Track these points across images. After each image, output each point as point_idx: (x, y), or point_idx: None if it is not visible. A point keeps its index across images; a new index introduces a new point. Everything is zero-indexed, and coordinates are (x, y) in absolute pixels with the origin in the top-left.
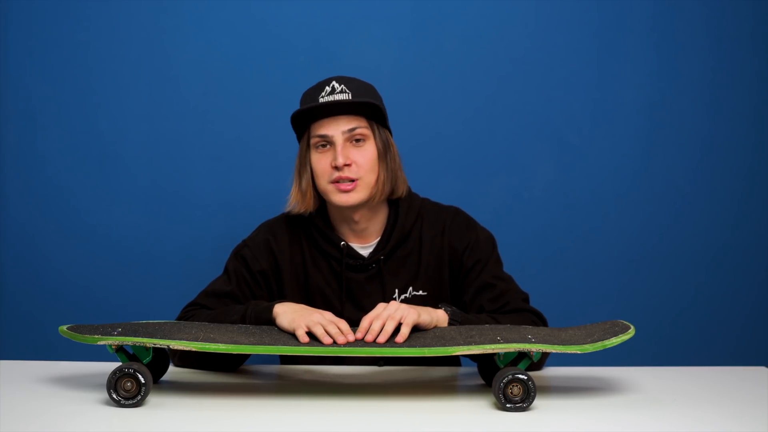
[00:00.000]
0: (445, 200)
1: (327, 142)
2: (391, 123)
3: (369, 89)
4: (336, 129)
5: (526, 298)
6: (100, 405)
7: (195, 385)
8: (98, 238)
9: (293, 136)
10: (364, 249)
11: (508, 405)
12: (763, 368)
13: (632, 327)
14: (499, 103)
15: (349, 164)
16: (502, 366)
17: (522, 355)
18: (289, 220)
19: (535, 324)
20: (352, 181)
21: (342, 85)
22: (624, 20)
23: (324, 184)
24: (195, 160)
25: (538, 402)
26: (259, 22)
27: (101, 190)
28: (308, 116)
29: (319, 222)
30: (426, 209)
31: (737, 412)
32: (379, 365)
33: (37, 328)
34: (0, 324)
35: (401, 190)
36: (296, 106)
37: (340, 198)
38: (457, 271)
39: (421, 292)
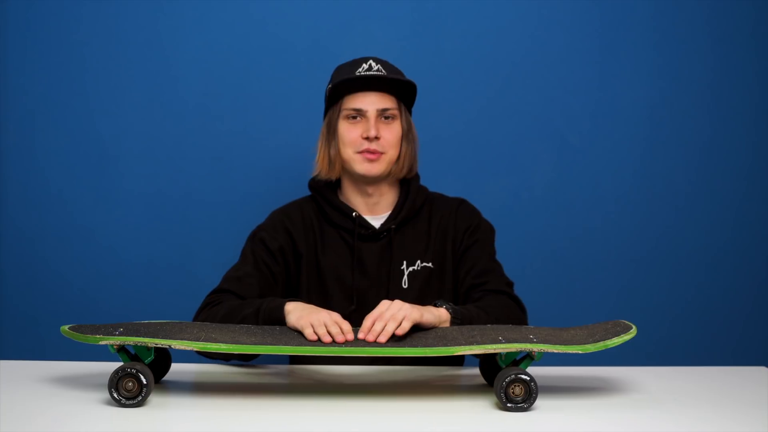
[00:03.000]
0: None
1: (359, 115)
2: None
3: (401, 72)
4: (371, 104)
5: (509, 284)
6: (101, 405)
7: (195, 385)
8: (98, 238)
9: (293, 136)
10: (375, 220)
11: (509, 405)
12: (763, 368)
13: (634, 327)
14: (499, 103)
15: (378, 138)
16: (504, 366)
17: (524, 355)
18: (298, 203)
19: (510, 309)
20: (378, 153)
21: (378, 65)
22: (624, 20)
23: (350, 152)
24: (195, 160)
25: (539, 402)
26: (259, 22)
27: (100, 190)
28: (345, 88)
29: (329, 194)
30: (435, 197)
31: (737, 412)
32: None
33: (37, 328)
34: (0, 324)
35: (414, 170)
36: (296, 106)
37: (363, 167)
38: (458, 247)
39: (430, 264)
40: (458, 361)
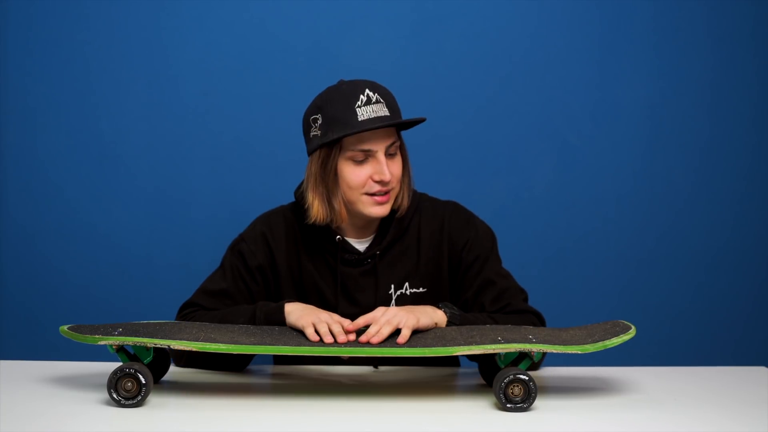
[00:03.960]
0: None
1: (366, 156)
2: None
3: (392, 97)
4: (379, 144)
5: (525, 298)
6: (100, 405)
7: (195, 385)
8: (98, 238)
9: (293, 136)
10: (361, 243)
11: (508, 405)
12: (763, 368)
13: (633, 327)
14: (499, 103)
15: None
16: (503, 366)
17: (523, 355)
18: (286, 212)
19: (534, 325)
20: (387, 192)
21: (376, 94)
22: (624, 20)
23: (356, 195)
24: (195, 160)
25: (538, 402)
26: (259, 22)
27: (101, 190)
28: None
29: None
30: (424, 204)
31: (737, 412)
32: (375, 367)
33: (37, 328)
34: (0, 324)
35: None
36: (297, 106)
37: (375, 210)
38: (456, 267)
39: (421, 289)
40: (455, 361)
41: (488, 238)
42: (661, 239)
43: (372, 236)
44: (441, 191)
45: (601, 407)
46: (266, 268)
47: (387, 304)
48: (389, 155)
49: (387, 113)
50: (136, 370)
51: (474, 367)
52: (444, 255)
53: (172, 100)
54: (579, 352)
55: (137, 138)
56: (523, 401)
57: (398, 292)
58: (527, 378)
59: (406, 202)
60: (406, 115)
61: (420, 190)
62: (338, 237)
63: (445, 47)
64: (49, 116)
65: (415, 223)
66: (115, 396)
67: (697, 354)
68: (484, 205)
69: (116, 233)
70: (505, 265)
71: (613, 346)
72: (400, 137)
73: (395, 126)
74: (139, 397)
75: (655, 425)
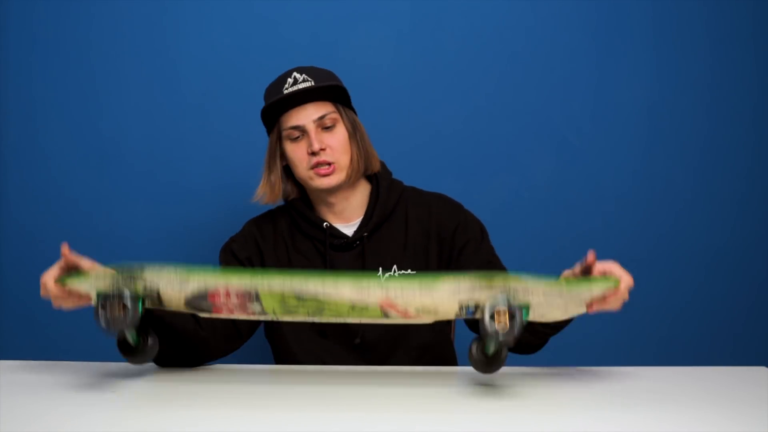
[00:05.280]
0: None
1: (300, 132)
2: (390, 122)
3: (329, 75)
4: (306, 118)
5: None
6: (100, 405)
7: (194, 385)
8: (98, 238)
9: None
10: (348, 228)
11: (498, 336)
12: (763, 368)
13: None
14: (498, 103)
15: (324, 149)
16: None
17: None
18: (274, 213)
19: None
20: (329, 164)
21: (303, 75)
22: (624, 20)
23: (303, 171)
24: (195, 159)
25: (538, 402)
26: (259, 22)
27: (101, 189)
28: (276, 109)
29: (300, 206)
30: (409, 192)
31: (737, 412)
32: (356, 343)
33: (37, 328)
34: (0, 324)
35: (375, 166)
36: None
37: (321, 182)
38: (448, 250)
39: (409, 271)
40: (454, 361)
41: (478, 224)
42: (660, 239)
43: (359, 220)
44: (441, 191)
45: (600, 407)
46: (255, 260)
47: None
48: (325, 128)
49: (311, 86)
50: (121, 295)
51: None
52: (432, 239)
53: (173, 100)
54: (559, 290)
55: (137, 138)
56: (509, 331)
57: (386, 274)
58: (510, 306)
59: (372, 168)
60: (401, 115)
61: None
62: (326, 224)
63: (445, 46)
64: (49, 116)
65: (402, 208)
66: (102, 317)
67: (697, 354)
68: (484, 205)
69: (116, 233)
70: (505, 264)
71: (592, 286)
72: (339, 110)
73: (309, 92)
74: (126, 320)
75: (655, 425)
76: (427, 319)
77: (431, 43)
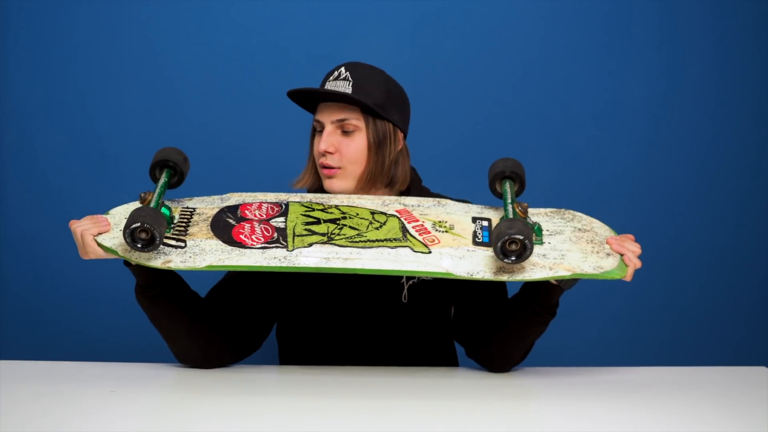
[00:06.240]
0: None
1: (321, 127)
2: None
3: (375, 80)
4: (327, 116)
5: None
6: (100, 405)
7: (194, 385)
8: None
9: (294, 136)
10: None
11: (505, 260)
12: (763, 368)
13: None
14: (499, 103)
15: (332, 152)
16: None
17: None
18: None
19: None
20: (334, 168)
21: (347, 73)
22: (625, 20)
23: (318, 167)
24: (195, 160)
25: (538, 402)
26: (259, 22)
27: (101, 190)
28: (315, 99)
29: None
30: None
31: (737, 412)
32: (386, 352)
33: (37, 328)
34: (0, 324)
35: (402, 184)
36: (296, 107)
37: (325, 183)
38: None
39: (430, 277)
40: (454, 361)
41: None
42: (661, 239)
43: None
44: (441, 191)
45: (601, 407)
46: None
47: (399, 293)
48: (344, 132)
49: (347, 91)
50: (147, 224)
51: (474, 367)
52: None
53: (172, 100)
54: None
55: (137, 138)
56: (518, 256)
57: (410, 282)
58: (522, 237)
59: (397, 185)
60: (413, 117)
61: None
62: None
63: (445, 47)
64: (48, 117)
65: None
66: (130, 242)
67: (697, 354)
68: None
69: None
70: None
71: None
72: (366, 119)
73: (333, 94)
74: (153, 245)
75: (655, 425)
76: (445, 245)
77: (432, 44)
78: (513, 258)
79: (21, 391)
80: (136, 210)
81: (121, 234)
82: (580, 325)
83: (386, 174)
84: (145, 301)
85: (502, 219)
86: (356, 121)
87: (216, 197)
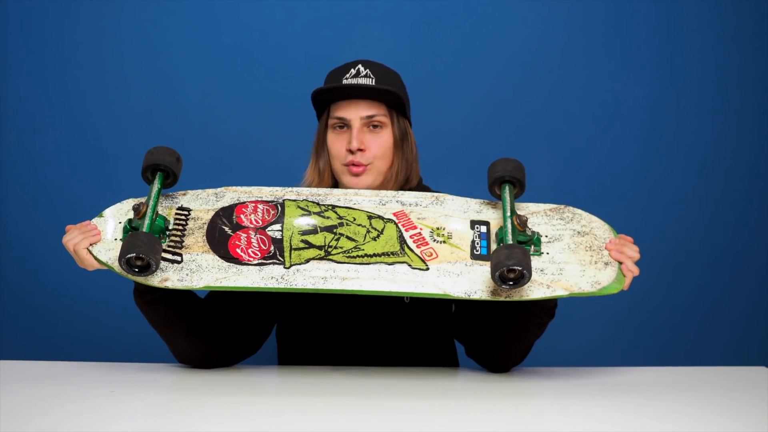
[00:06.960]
0: None
1: (344, 124)
2: None
3: (393, 77)
4: (355, 113)
5: None
6: (100, 405)
7: (194, 386)
8: None
9: (294, 136)
10: None
11: (503, 286)
12: (763, 368)
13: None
14: (499, 103)
15: (363, 149)
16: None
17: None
18: None
19: None
20: (362, 165)
21: (367, 69)
22: (625, 20)
23: (338, 165)
24: (195, 159)
25: (538, 402)
26: (259, 23)
27: (101, 190)
28: (329, 96)
29: None
30: None
31: (737, 412)
32: (386, 352)
33: (37, 328)
34: (0, 324)
35: (414, 182)
36: (296, 106)
37: (350, 180)
38: None
39: None
40: (455, 361)
41: None
42: (661, 239)
43: None
44: (441, 191)
45: (600, 407)
46: None
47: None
48: (372, 128)
49: (369, 84)
50: (141, 253)
51: (474, 368)
52: None
53: (172, 100)
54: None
55: (137, 138)
56: (516, 283)
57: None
58: (521, 268)
59: (410, 183)
60: (412, 116)
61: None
62: None
63: (445, 48)
64: (48, 116)
65: None
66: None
67: (697, 354)
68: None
69: None
70: None
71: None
72: (392, 115)
73: (366, 89)
74: (150, 270)
75: (655, 425)
76: (443, 259)
77: (432, 44)
78: (510, 284)
79: (21, 391)
80: (131, 237)
81: (115, 245)
82: (581, 326)
83: (407, 170)
84: (143, 305)
85: (498, 235)
86: (383, 117)
87: (210, 191)
